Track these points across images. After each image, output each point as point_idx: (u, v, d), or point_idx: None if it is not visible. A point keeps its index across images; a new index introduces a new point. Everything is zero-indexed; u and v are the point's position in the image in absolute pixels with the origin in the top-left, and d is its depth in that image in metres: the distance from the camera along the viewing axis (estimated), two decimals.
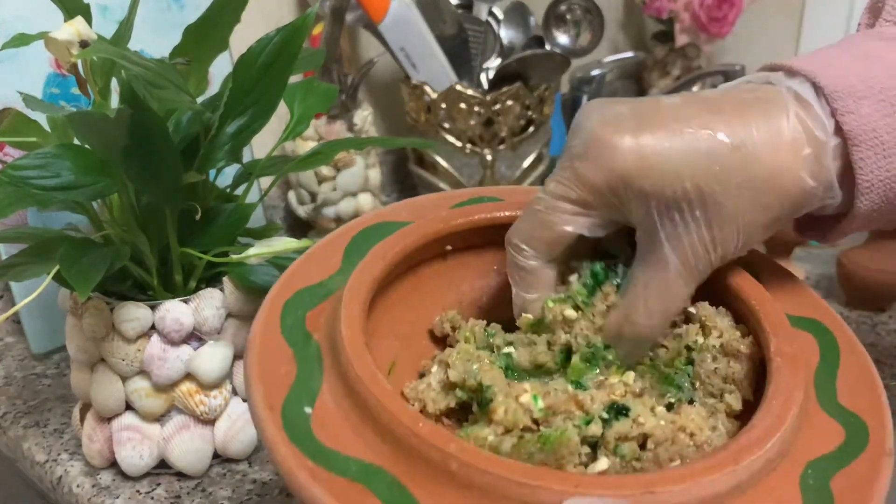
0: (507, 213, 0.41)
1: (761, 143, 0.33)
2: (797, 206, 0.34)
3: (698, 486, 0.27)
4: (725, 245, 0.34)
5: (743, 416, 0.35)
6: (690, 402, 0.36)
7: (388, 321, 0.39)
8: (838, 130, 0.33)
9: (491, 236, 0.42)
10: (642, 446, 0.33)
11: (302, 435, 0.29)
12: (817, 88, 0.34)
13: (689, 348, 0.37)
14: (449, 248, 0.42)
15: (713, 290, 0.37)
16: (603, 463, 0.32)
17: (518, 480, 0.27)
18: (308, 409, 0.30)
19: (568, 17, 1.07)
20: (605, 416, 0.33)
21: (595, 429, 0.32)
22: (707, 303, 0.37)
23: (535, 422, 0.33)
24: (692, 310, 0.37)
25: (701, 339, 0.36)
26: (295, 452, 0.28)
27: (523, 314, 0.38)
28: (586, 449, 0.32)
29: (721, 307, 0.38)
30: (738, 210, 0.33)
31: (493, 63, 1.00)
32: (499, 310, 0.41)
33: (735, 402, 0.35)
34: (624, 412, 0.33)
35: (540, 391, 0.33)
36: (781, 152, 0.33)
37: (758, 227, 0.34)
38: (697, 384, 0.36)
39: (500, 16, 1.00)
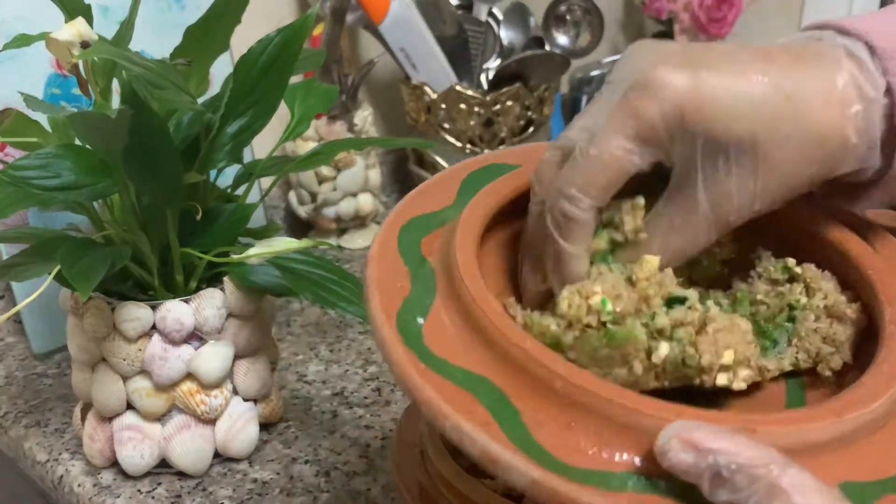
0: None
1: (813, 94, 0.32)
2: (837, 164, 0.34)
3: (798, 432, 0.27)
4: (763, 197, 0.33)
5: (839, 380, 0.35)
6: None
7: (495, 258, 0.40)
8: (888, 92, 0.33)
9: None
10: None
11: (414, 341, 0.31)
12: (870, 48, 0.33)
13: (791, 307, 0.36)
14: None
15: (820, 253, 0.37)
16: (664, 348, 0.32)
17: (619, 402, 0.27)
18: (420, 320, 0.32)
19: (568, 17, 1.07)
20: (665, 308, 0.33)
21: (662, 321, 0.32)
22: (813, 265, 0.36)
23: (602, 323, 0.33)
24: (797, 269, 0.37)
25: (804, 299, 0.36)
26: (409, 354, 0.30)
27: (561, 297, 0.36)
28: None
29: (826, 271, 0.37)
30: (783, 161, 0.33)
31: (493, 63, 1.00)
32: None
33: (833, 360, 0.35)
34: (681, 301, 0.33)
35: (611, 294, 0.33)
36: (832, 106, 0.32)
37: (798, 182, 0.33)
38: (795, 341, 0.36)
39: (500, 16, 1.01)
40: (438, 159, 0.96)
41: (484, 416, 0.28)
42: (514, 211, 0.40)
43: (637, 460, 0.27)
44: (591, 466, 0.27)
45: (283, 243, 0.52)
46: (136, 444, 0.53)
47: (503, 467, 0.26)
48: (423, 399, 0.29)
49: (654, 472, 0.26)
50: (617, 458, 0.27)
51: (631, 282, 0.35)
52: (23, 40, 0.46)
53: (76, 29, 0.45)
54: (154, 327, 0.51)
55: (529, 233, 0.38)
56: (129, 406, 0.53)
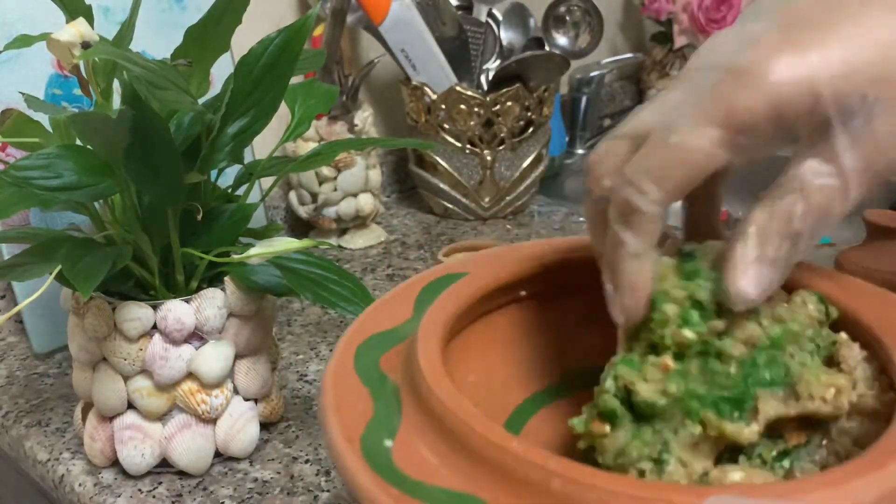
0: (580, 255, 0.39)
1: None
2: None
3: (835, 496, 0.24)
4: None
5: None
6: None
7: (461, 370, 0.38)
8: None
9: (565, 281, 0.40)
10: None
11: (384, 467, 0.27)
12: None
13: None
14: (523, 293, 0.40)
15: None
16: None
17: (631, 494, 0.24)
18: (388, 443, 0.29)
19: (567, 18, 1.07)
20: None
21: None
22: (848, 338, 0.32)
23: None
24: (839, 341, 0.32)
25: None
26: (378, 481, 0.26)
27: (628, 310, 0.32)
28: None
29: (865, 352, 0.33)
30: None
31: (493, 64, 1.00)
32: (582, 359, 0.38)
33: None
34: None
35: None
36: None
37: None
38: (825, 442, 0.32)
39: (500, 17, 1.01)
40: (438, 160, 0.96)
41: None
42: (477, 315, 0.39)
43: None
44: None
45: (284, 243, 0.52)
46: (137, 443, 0.53)
47: None
48: None
49: None
50: None
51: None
52: (24, 41, 0.46)
53: (77, 29, 0.45)
54: (155, 327, 0.52)
55: (596, 243, 0.34)
56: (130, 405, 0.53)
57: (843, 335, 0.33)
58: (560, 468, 0.25)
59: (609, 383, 0.31)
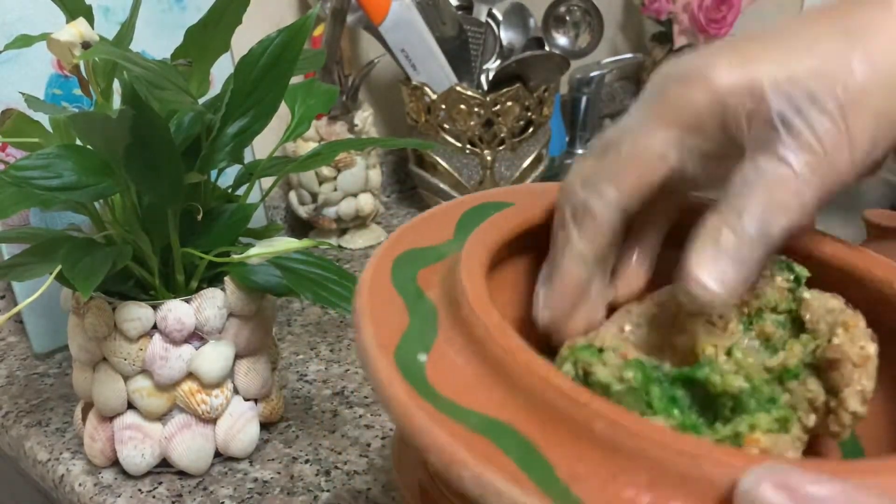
0: None
1: (870, 22, 0.30)
2: None
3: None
4: (858, 140, 0.29)
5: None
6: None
7: (499, 301, 0.35)
8: None
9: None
10: None
11: (417, 380, 0.25)
12: None
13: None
14: None
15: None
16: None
17: (677, 447, 0.22)
18: (422, 357, 0.27)
19: (567, 18, 1.07)
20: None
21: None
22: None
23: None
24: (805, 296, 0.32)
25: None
26: (410, 391, 0.25)
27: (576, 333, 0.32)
28: None
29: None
30: (865, 94, 0.29)
31: (493, 64, 1.00)
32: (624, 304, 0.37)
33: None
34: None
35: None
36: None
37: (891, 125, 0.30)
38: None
39: (500, 17, 1.01)
40: (438, 160, 0.96)
41: (510, 466, 0.23)
42: (517, 249, 0.37)
43: None
44: None
45: (284, 243, 0.52)
46: (137, 443, 0.53)
47: None
48: (430, 443, 0.23)
49: None
50: None
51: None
52: (24, 41, 0.46)
53: (77, 30, 0.45)
54: (155, 327, 0.52)
55: (551, 249, 0.35)
56: (130, 405, 0.53)
57: (806, 294, 0.32)
58: (605, 410, 0.24)
59: (567, 367, 0.30)
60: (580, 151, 1.30)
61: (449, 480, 0.23)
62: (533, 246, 0.37)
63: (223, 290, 0.53)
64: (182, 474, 0.55)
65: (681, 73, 0.31)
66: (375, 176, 0.92)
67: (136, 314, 0.51)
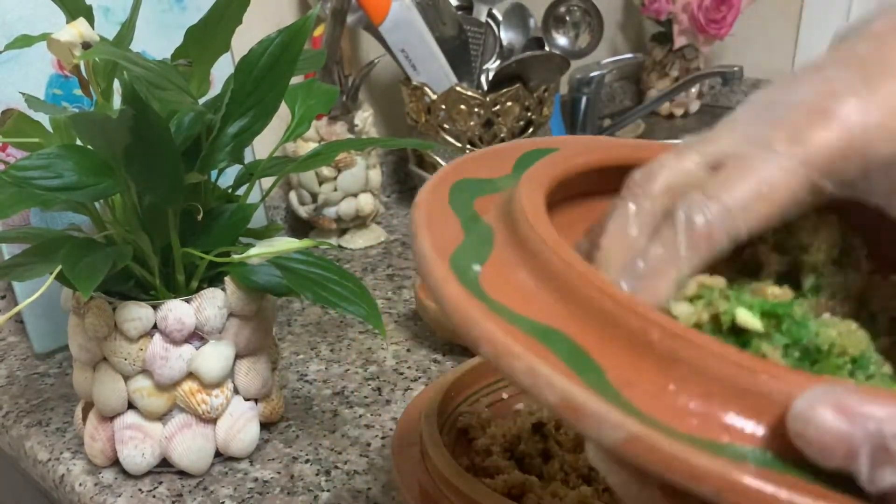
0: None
1: None
2: None
3: None
4: None
5: None
6: None
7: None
8: None
9: None
10: None
11: (471, 285, 0.25)
12: None
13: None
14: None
15: None
16: None
17: (735, 360, 0.22)
18: (477, 267, 0.27)
19: (567, 18, 1.07)
20: None
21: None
22: None
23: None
24: None
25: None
26: (465, 292, 0.25)
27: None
28: None
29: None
30: None
31: (493, 64, 1.00)
32: None
33: None
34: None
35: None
36: None
37: None
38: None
39: (500, 17, 1.01)
40: (438, 160, 0.96)
41: (561, 365, 0.22)
42: (569, 195, 0.36)
43: (759, 431, 0.21)
44: (699, 434, 0.21)
45: (284, 243, 0.52)
46: (138, 443, 0.53)
47: (590, 417, 0.21)
48: (484, 335, 0.23)
49: (783, 450, 0.21)
50: (731, 426, 0.22)
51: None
52: (24, 41, 0.46)
53: (77, 30, 0.45)
54: (155, 327, 0.52)
55: (610, 233, 0.32)
56: (131, 405, 0.53)
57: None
58: (662, 320, 0.23)
59: (684, 307, 0.28)
60: None
61: (500, 371, 0.23)
62: (588, 193, 0.36)
63: (223, 290, 0.53)
64: (182, 474, 0.55)
65: (816, 106, 0.28)
66: (375, 176, 0.92)
67: (137, 314, 0.51)
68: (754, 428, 0.21)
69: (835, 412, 0.19)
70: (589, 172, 0.36)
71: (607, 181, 0.36)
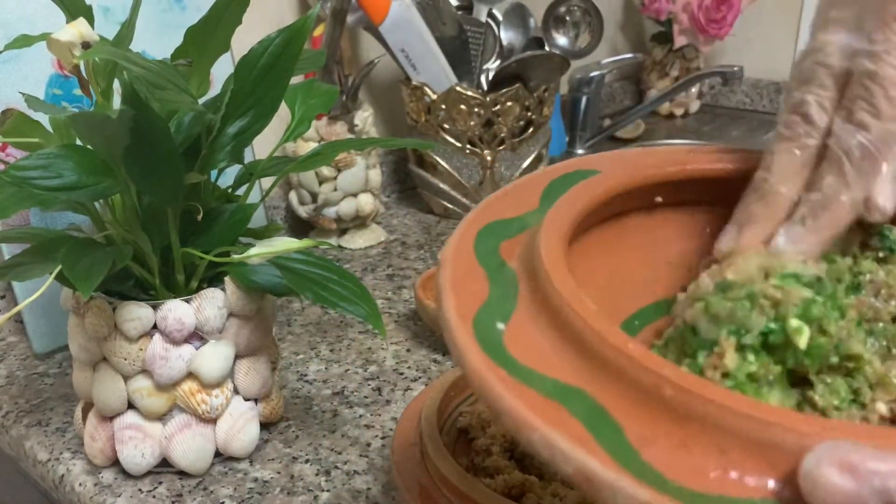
0: (724, 166, 0.38)
1: None
2: None
3: None
4: None
5: None
6: None
7: (585, 267, 0.36)
8: None
9: (704, 192, 0.38)
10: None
11: (494, 347, 0.27)
12: None
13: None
14: (659, 199, 0.39)
15: None
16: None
17: (749, 414, 0.23)
18: (501, 326, 0.28)
19: (567, 18, 1.07)
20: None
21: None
22: None
23: None
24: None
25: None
26: (487, 359, 0.26)
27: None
28: None
29: None
30: None
31: (493, 64, 1.00)
32: None
33: None
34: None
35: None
36: None
37: None
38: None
39: (500, 17, 1.01)
40: (438, 160, 0.96)
41: (578, 429, 0.23)
42: (603, 217, 0.37)
43: (773, 485, 0.22)
44: (715, 491, 0.22)
45: (284, 243, 0.52)
46: (137, 443, 0.53)
47: (606, 488, 0.22)
48: (504, 408, 0.24)
49: (797, 500, 0.22)
50: (748, 482, 0.22)
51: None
52: (24, 41, 0.46)
53: (77, 30, 0.45)
54: (155, 327, 0.52)
55: (777, 169, 0.33)
56: (130, 405, 0.53)
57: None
58: (674, 376, 0.24)
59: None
60: (580, 151, 1.30)
61: (520, 442, 0.24)
62: (619, 213, 0.38)
63: (223, 290, 0.53)
64: (182, 474, 0.55)
65: None
66: (375, 176, 0.92)
67: (137, 314, 0.51)
68: (768, 481, 0.22)
69: (840, 471, 0.20)
70: (614, 197, 0.37)
71: (637, 199, 0.38)
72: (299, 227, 0.95)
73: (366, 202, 0.90)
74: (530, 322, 0.28)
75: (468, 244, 0.33)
